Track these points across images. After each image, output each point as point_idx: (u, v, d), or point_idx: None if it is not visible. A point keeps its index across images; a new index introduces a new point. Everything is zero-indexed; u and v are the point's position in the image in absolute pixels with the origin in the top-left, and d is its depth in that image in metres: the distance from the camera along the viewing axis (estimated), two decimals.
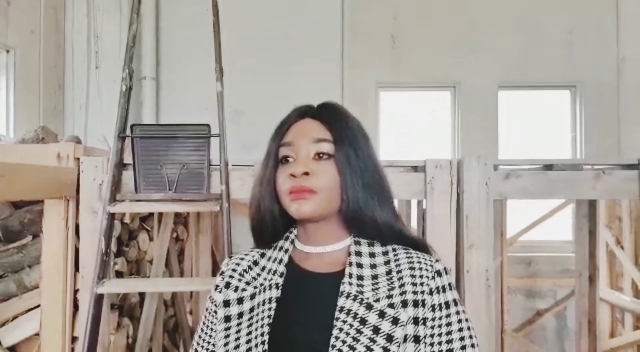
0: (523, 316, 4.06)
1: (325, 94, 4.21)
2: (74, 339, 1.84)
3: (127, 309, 2.20)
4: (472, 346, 0.73)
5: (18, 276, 1.82)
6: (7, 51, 3.25)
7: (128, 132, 1.65)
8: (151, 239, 2.43)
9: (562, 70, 4.30)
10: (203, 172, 1.62)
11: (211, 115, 2.40)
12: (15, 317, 1.81)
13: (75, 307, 1.85)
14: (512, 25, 4.30)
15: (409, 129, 4.49)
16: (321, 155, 0.77)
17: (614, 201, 3.52)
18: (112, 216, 1.57)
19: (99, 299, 1.54)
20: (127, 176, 1.69)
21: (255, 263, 0.83)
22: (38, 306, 1.80)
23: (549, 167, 1.68)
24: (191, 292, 3.03)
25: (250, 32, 4.07)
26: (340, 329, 0.70)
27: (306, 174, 0.75)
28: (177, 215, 2.67)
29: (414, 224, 2.71)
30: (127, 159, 1.67)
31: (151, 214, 2.40)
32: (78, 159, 1.80)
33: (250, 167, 1.85)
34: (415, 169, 1.66)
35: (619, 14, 4.31)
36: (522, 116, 4.46)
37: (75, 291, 1.85)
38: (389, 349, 0.68)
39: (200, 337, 0.85)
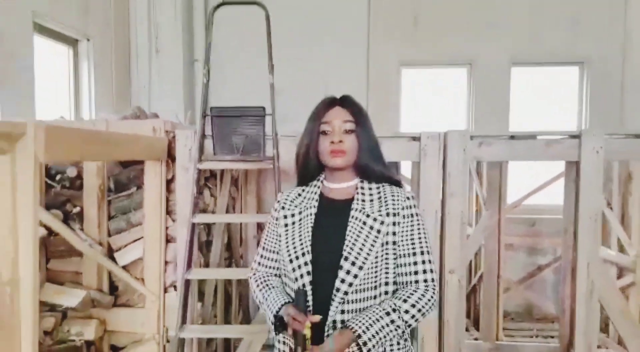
0: (525, 269, 4.61)
1: (353, 71, 4.77)
2: (165, 263, 2.54)
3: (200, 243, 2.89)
4: (425, 238, 1.32)
5: (126, 216, 2.51)
6: (88, 40, 3.91)
7: (208, 112, 2.27)
8: (212, 195, 3.10)
9: (570, 47, 4.67)
10: (260, 141, 2.23)
11: (252, 93, 2.98)
12: (125, 246, 2.51)
13: (166, 240, 2.54)
14: (523, 5, 4.66)
15: (430, 102, 4.98)
16: (347, 130, 1.32)
17: (607, 167, 3.95)
18: (199, 171, 2.22)
19: (193, 227, 2.21)
20: (208, 143, 2.32)
21: (299, 195, 1.40)
22: (141, 238, 2.49)
23: (512, 137, 2.21)
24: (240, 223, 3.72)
25: (287, 17, 4.59)
26: (351, 227, 1.28)
27: (340, 141, 1.30)
28: (232, 178, 3.33)
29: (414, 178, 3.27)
30: (207, 130, 2.30)
31: (213, 176, 3.06)
32: (167, 131, 2.45)
33: (292, 137, 2.45)
34: (414, 139, 2.22)
35: None
36: (533, 90, 4.88)
37: (166, 228, 2.53)
38: (377, 238, 1.25)
39: (265, 240, 1.43)
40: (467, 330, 4.09)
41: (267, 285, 1.37)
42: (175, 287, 2.49)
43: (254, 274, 1.44)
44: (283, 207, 1.39)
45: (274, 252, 1.40)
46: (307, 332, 1.16)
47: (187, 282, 2.22)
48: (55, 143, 1.50)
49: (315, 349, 1.17)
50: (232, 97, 4.56)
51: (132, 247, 2.49)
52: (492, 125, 4.72)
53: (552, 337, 4.21)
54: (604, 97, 4.69)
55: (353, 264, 1.23)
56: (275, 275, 1.41)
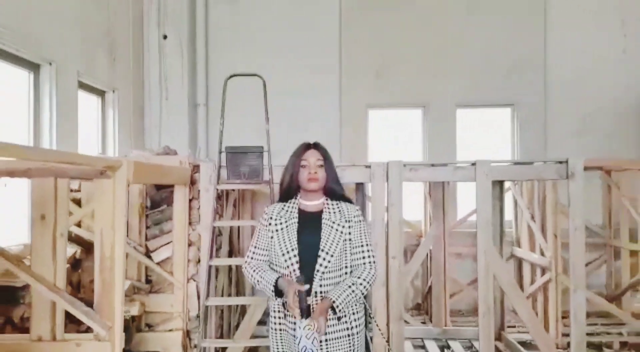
0: (472, 274, 5.54)
1: (328, 113, 5.78)
2: (187, 261, 3.41)
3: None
4: (367, 235, 2.03)
5: (159, 226, 3.39)
6: (113, 91, 4.85)
7: (223, 149, 3.22)
8: (217, 213, 4.00)
9: (502, 93, 5.80)
10: (259, 169, 3.16)
11: (248, 129, 3.91)
12: (158, 248, 3.38)
13: (188, 244, 3.41)
14: (465, 60, 5.79)
15: (394, 136, 6.01)
16: (319, 166, 2.00)
17: (532, 188, 4.98)
18: (216, 191, 3.13)
19: (213, 229, 3.12)
20: (223, 172, 3.24)
21: (282, 208, 2.04)
22: (170, 242, 3.37)
23: (432, 165, 3.20)
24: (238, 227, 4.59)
25: (275, 74, 5.59)
26: (324, 230, 1.95)
27: (315, 173, 1.98)
28: (234, 201, 4.24)
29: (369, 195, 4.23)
30: (221, 162, 3.23)
31: (219, 198, 3.97)
32: (190, 163, 3.37)
33: (282, 166, 3.40)
34: (366, 167, 3.18)
35: (547, 49, 5.79)
36: (477, 126, 5.97)
37: (188, 235, 3.41)
38: (340, 236, 1.94)
39: (257, 241, 2.04)
40: (423, 322, 4.98)
41: (261, 268, 2.02)
42: (194, 279, 3.36)
43: (248, 264, 2.06)
44: (272, 218, 2.06)
45: (264, 249, 2.06)
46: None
47: (210, 268, 3.10)
48: (136, 172, 2.41)
49: (318, 308, 1.83)
50: (233, 134, 5.51)
51: (164, 249, 3.36)
52: (443, 154, 5.75)
53: None
54: (530, 132, 5.80)
55: (327, 253, 1.95)
56: (266, 262, 2.07)
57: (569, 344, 4.43)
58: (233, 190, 3.78)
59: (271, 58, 5.67)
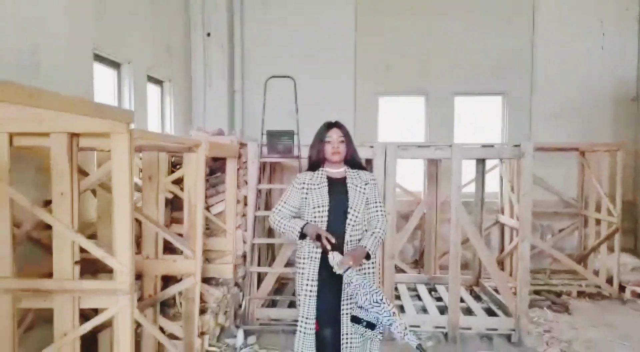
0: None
1: (345, 99, 6.80)
2: (236, 214, 4.55)
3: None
4: (379, 195, 2.69)
5: (215, 188, 4.53)
6: (170, 80, 5.95)
7: (264, 132, 4.31)
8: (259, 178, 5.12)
9: (495, 83, 6.74)
10: (291, 147, 4.25)
11: (279, 115, 5.00)
12: (215, 204, 4.52)
13: (237, 201, 4.54)
14: (462, 54, 6.72)
15: (401, 120, 7.03)
16: (340, 141, 2.59)
17: (514, 165, 5.96)
18: (259, 163, 4.26)
19: (256, 191, 4.25)
20: (264, 149, 4.36)
21: (312, 176, 2.63)
22: (223, 200, 4.51)
23: (419, 146, 4.23)
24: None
25: (302, 66, 6.62)
26: (350, 192, 2.56)
27: (337, 147, 2.57)
28: (269, 170, 5.35)
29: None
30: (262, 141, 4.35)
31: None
32: (238, 142, 4.48)
33: (307, 145, 4.48)
34: (371, 146, 4.22)
35: (534, 45, 6.68)
36: (473, 112, 6.94)
37: (236, 195, 4.54)
38: (362, 196, 2.56)
39: (288, 198, 2.61)
40: (419, 272, 6.07)
41: (288, 217, 2.60)
42: (240, 226, 4.51)
43: (276, 214, 2.59)
44: (304, 183, 2.61)
45: (292, 206, 2.61)
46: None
47: (255, 218, 4.25)
48: (210, 148, 3.53)
49: (349, 253, 2.40)
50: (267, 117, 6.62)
51: (219, 204, 4.50)
52: (443, 135, 6.75)
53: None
54: (518, 117, 6.75)
55: (355, 210, 2.53)
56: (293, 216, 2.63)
57: (535, 292, 5.53)
58: (274, 163, 4.91)
59: (297, 54, 6.70)
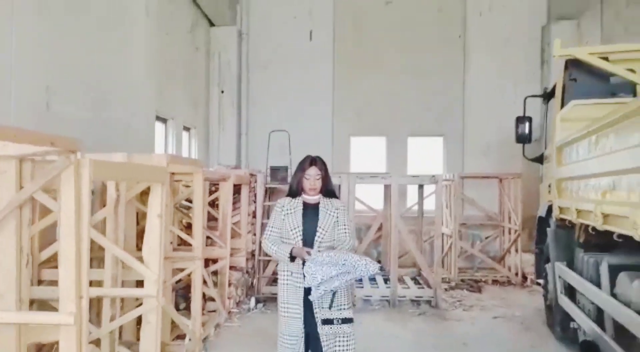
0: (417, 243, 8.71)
1: (324, 138, 8.98)
2: (247, 223, 6.62)
3: None
4: (348, 220, 3.23)
5: (234, 205, 6.62)
6: (195, 128, 8.08)
7: (269, 167, 6.44)
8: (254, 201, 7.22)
9: (437, 126, 9.00)
10: (286, 177, 6.36)
11: (274, 150, 7.15)
12: (233, 216, 6.59)
13: (250, 215, 6.62)
14: (414, 105, 8.99)
15: (368, 157, 9.22)
16: (317, 178, 3.07)
17: (449, 188, 8.14)
18: (265, 188, 6.36)
19: (263, 207, 6.34)
20: (267, 178, 6.47)
21: (290, 201, 3.10)
22: (239, 213, 6.58)
23: (372, 176, 6.36)
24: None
25: (289, 113, 8.80)
26: (322, 215, 3.05)
27: (314, 184, 3.06)
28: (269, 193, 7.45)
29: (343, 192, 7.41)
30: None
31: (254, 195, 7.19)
32: (250, 173, 6.58)
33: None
34: (339, 176, 6.31)
35: (464, 100, 8.98)
36: (422, 149, 9.17)
37: (248, 210, 6.62)
38: (331, 219, 3.05)
39: (273, 222, 3.09)
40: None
41: (277, 242, 3.01)
42: (250, 232, 6.58)
43: (267, 239, 3.02)
44: (283, 207, 3.07)
45: (277, 228, 3.05)
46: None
47: (262, 224, 6.35)
48: (235, 179, 5.63)
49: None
50: (264, 151, 8.76)
51: (236, 216, 6.58)
52: (398, 168, 8.93)
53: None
54: (454, 154, 9.00)
55: (323, 229, 2.97)
56: (279, 238, 3.05)
57: (461, 280, 7.63)
58: (272, 187, 7.03)
59: (289, 105, 8.92)
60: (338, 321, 2.89)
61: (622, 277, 2.92)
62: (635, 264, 2.70)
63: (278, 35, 9.14)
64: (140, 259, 3.21)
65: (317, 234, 2.97)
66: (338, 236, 3.04)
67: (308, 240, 2.97)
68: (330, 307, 2.91)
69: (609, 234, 3.00)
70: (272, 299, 6.27)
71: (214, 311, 5.40)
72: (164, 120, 6.86)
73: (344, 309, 2.94)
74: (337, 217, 3.03)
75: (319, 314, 2.89)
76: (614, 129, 2.82)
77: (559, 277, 4.37)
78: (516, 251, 7.86)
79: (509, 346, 4.79)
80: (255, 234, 6.61)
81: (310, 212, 3.04)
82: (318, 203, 3.05)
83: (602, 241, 3.48)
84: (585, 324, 3.57)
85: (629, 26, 8.72)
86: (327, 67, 9.11)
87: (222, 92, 8.66)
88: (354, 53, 9.18)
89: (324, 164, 3.11)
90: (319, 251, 2.85)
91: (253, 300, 6.09)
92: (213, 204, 6.09)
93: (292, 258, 2.89)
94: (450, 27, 9.09)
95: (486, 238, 8.84)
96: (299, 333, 2.93)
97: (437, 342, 4.88)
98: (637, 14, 8.69)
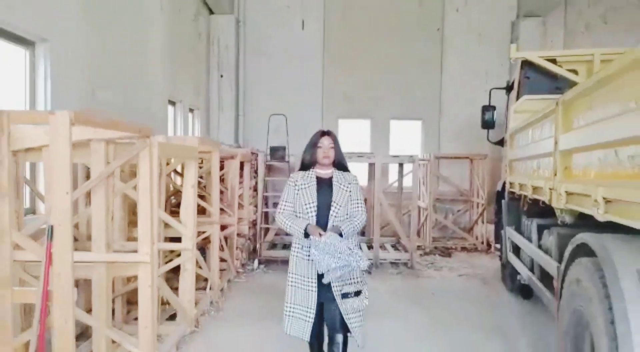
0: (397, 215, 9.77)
1: (314, 121, 9.86)
2: (250, 195, 7.54)
3: None
4: (360, 193, 3.10)
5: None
6: (198, 109, 8.86)
7: (269, 146, 7.32)
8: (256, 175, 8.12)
9: (417, 111, 9.97)
10: (284, 156, 7.24)
11: (271, 131, 8.04)
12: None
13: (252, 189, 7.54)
14: (396, 90, 9.92)
15: (354, 138, 10.15)
16: (331, 146, 3.02)
17: (427, 166, 9.17)
18: (265, 165, 7.25)
19: (264, 182, 7.25)
20: (267, 156, 7.36)
21: (303, 175, 3.06)
22: (242, 187, 7.48)
23: (360, 156, 7.31)
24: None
25: (285, 97, 9.64)
26: (335, 189, 3.00)
27: (327, 153, 3.01)
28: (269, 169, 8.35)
29: None
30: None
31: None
32: (252, 152, 7.46)
33: (294, 155, 7.50)
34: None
35: (442, 87, 9.95)
36: (400, 133, 10.13)
37: (250, 184, 7.53)
38: (345, 193, 3.00)
39: (286, 196, 3.05)
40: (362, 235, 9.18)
41: (292, 217, 2.98)
42: (251, 203, 7.50)
43: (281, 213, 2.99)
44: (296, 181, 3.03)
45: (290, 202, 3.02)
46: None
47: (264, 197, 7.26)
48: (240, 157, 6.52)
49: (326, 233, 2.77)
50: (262, 132, 9.60)
51: (240, 190, 7.49)
52: (381, 148, 9.89)
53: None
54: (430, 136, 10.00)
55: (337, 204, 2.94)
56: (293, 212, 3.02)
57: (434, 247, 8.73)
58: (271, 164, 7.93)
59: (283, 90, 9.75)
60: (352, 294, 2.92)
61: (545, 233, 3.96)
62: (555, 223, 3.69)
63: (272, 23, 9.88)
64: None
65: (332, 208, 2.96)
66: (351, 210, 3.00)
67: (322, 215, 2.97)
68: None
69: (542, 202, 4.00)
70: (272, 261, 7.27)
71: (225, 270, 6.35)
72: (173, 104, 7.64)
73: (356, 283, 2.96)
74: (350, 191, 3.02)
75: (337, 289, 2.92)
76: (539, 124, 3.82)
77: (509, 239, 5.44)
78: (482, 222, 8.98)
79: (468, 295, 5.89)
80: (256, 206, 7.54)
81: (324, 186, 3.02)
82: (331, 178, 3.04)
83: (539, 209, 4.48)
84: (523, 272, 4.64)
85: (590, 24, 9.80)
86: (318, 55, 9.93)
87: (222, 76, 9.43)
88: (342, 42, 10.01)
89: (335, 136, 3.14)
90: (332, 227, 2.90)
91: (256, 262, 7.06)
92: (220, 178, 6.97)
93: (306, 234, 2.89)
94: (430, 20, 9.97)
95: (458, 211, 9.95)
96: (313, 305, 2.95)
97: (411, 293, 5.94)
98: (597, 14, 9.76)
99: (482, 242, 8.91)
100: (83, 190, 2.83)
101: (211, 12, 9.33)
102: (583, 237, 2.60)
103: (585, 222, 2.88)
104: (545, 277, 3.84)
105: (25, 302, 2.57)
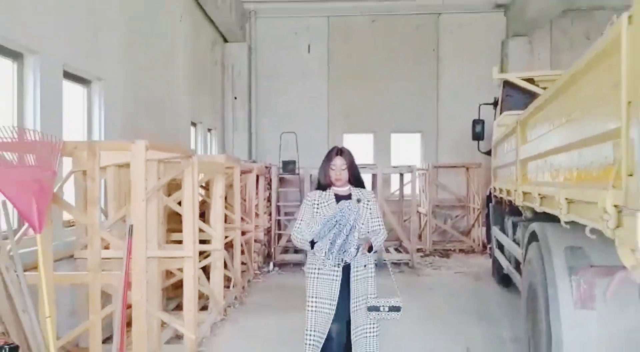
0: (399, 220, 10.53)
1: (321, 136, 10.71)
2: (264, 205, 8.35)
3: None
4: (379, 211, 3.12)
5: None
6: (215, 129, 9.75)
7: (282, 160, 8.16)
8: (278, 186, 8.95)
9: (416, 125, 10.79)
10: (295, 169, 8.06)
11: (282, 145, 8.90)
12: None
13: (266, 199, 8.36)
14: (396, 106, 10.75)
15: (358, 151, 10.96)
16: (343, 168, 3.00)
17: (425, 176, 9.95)
18: (278, 177, 8.07)
19: (277, 193, 8.05)
20: (280, 170, 8.20)
21: (320, 195, 3.02)
22: (258, 197, 8.31)
23: (363, 166, 8.15)
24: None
25: (294, 115, 10.50)
26: (355, 209, 2.84)
27: (339, 175, 2.99)
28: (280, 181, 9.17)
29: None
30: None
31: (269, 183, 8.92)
32: (266, 166, 8.30)
33: (303, 168, 8.33)
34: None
35: (438, 101, 10.77)
36: (401, 145, 10.94)
37: (265, 195, 8.35)
38: (368, 211, 2.98)
39: (303, 215, 2.98)
40: None
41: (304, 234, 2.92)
42: (266, 212, 8.31)
43: (297, 232, 2.91)
44: (315, 200, 3.00)
45: (307, 221, 2.94)
46: None
47: (277, 206, 8.07)
48: (257, 171, 7.36)
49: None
50: (275, 147, 10.43)
51: (255, 201, 8.31)
52: (384, 159, 10.67)
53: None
54: (429, 147, 10.80)
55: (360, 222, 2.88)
56: None
57: (434, 249, 9.47)
58: (283, 177, 8.76)
59: (291, 109, 10.63)
60: (385, 308, 2.97)
61: (517, 228, 4.72)
62: (522, 219, 4.42)
63: (281, 48, 10.80)
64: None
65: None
66: (372, 227, 3.00)
67: None
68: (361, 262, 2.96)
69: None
70: (285, 264, 8.06)
71: (245, 271, 7.14)
72: (194, 125, 8.52)
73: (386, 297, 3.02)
74: (371, 209, 3.01)
75: (361, 302, 2.96)
76: (510, 137, 4.61)
77: (495, 237, 6.20)
78: (478, 225, 9.71)
79: (462, 289, 6.63)
80: (270, 215, 8.35)
81: (342, 201, 2.94)
82: (349, 195, 3.02)
83: (515, 209, 5.19)
84: (504, 264, 5.39)
85: (574, 41, 10.61)
86: (323, 76, 10.82)
87: (235, 98, 10.32)
88: (345, 63, 10.89)
89: (350, 154, 3.09)
90: (365, 236, 2.89)
91: (271, 264, 7.86)
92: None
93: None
94: (426, 42, 10.84)
95: (456, 216, 10.69)
96: (325, 330, 2.93)
97: (411, 288, 6.68)
98: (580, 31, 10.57)
99: (479, 244, 9.62)
100: (146, 196, 3.66)
101: (225, 40, 10.26)
102: (533, 226, 3.38)
103: (538, 216, 3.65)
104: (517, 264, 4.59)
105: (109, 283, 3.38)
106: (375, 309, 2.96)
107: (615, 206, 1.52)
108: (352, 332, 2.96)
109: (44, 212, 2.57)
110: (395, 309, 2.98)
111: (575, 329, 2.70)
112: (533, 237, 3.40)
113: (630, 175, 1.42)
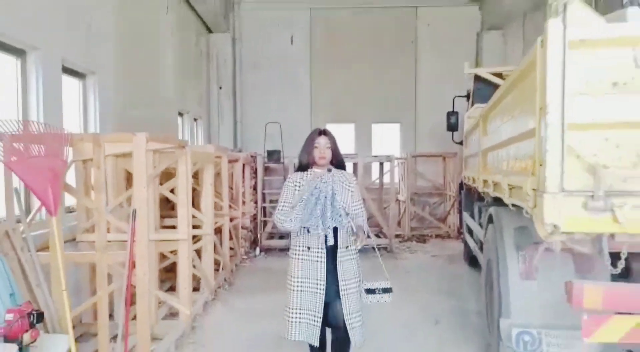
0: (380, 207, 11.00)
1: (304, 124, 11.06)
2: (250, 193, 8.72)
3: None
4: (361, 200, 3.17)
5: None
6: (200, 118, 10.02)
7: (266, 150, 8.51)
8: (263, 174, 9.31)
9: (395, 115, 11.22)
10: (279, 158, 8.41)
11: (268, 135, 9.24)
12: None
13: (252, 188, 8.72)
14: (376, 97, 11.15)
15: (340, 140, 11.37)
16: (327, 146, 2.98)
17: (406, 165, 10.42)
18: (264, 166, 8.44)
19: (263, 181, 8.42)
20: (265, 159, 8.55)
21: (302, 175, 3.01)
22: (244, 185, 8.67)
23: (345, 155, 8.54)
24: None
25: (280, 105, 10.84)
26: (329, 179, 2.91)
27: (323, 153, 2.96)
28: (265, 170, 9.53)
29: None
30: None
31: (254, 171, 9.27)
32: (252, 156, 8.64)
33: (288, 157, 8.69)
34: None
35: (416, 92, 11.20)
36: (381, 135, 11.37)
37: (251, 183, 8.71)
38: (351, 196, 3.00)
39: (285, 197, 2.99)
40: None
41: (289, 215, 2.90)
42: (253, 200, 8.69)
43: (280, 213, 2.93)
44: (296, 181, 3.00)
45: (289, 203, 2.96)
46: None
47: (263, 194, 8.45)
48: (243, 160, 7.71)
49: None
50: (260, 136, 10.76)
51: (241, 189, 8.67)
52: (364, 149, 11.10)
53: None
54: (408, 137, 11.26)
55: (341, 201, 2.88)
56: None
57: (412, 235, 9.98)
58: (268, 166, 9.12)
59: (275, 98, 10.95)
60: (379, 290, 3.03)
61: (482, 213, 5.21)
62: (485, 204, 4.89)
63: (264, 39, 11.07)
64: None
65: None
66: (353, 210, 3.02)
67: None
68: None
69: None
70: (271, 249, 8.46)
71: (232, 256, 7.53)
72: (181, 115, 8.80)
73: (381, 279, 3.11)
74: (352, 191, 3.02)
75: (351, 285, 3.00)
76: (476, 129, 5.07)
77: (465, 222, 6.69)
78: (454, 212, 10.24)
79: (435, 271, 7.14)
80: (256, 202, 8.72)
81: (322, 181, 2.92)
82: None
83: (483, 196, 5.71)
84: (472, 245, 5.89)
85: None
86: (305, 66, 11.14)
87: (220, 88, 10.59)
88: (327, 55, 11.23)
89: (332, 136, 3.09)
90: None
91: (258, 249, 8.26)
92: None
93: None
94: (405, 34, 11.23)
95: (433, 203, 11.22)
96: (320, 308, 2.92)
97: (389, 271, 7.11)
98: None
99: (454, 230, 10.16)
100: (146, 185, 4.00)
101: (210, 31, 10.48)
102: (490, 210, 3.84)
103: (497, 202, 4.10)
104: (482, 245, 5.08)
105: (112, 264, 3.74)
106: (372, 292, 3.01)
107: (534, 189, 1.95)
108: (346, 317, 2.93)
109: (58, 197, 2.90)
110: (387, 290, 3.06)
111: (521, 296, 3.17)
112: (490, 219, 3.87)
113: (541, 165, 1.85)
